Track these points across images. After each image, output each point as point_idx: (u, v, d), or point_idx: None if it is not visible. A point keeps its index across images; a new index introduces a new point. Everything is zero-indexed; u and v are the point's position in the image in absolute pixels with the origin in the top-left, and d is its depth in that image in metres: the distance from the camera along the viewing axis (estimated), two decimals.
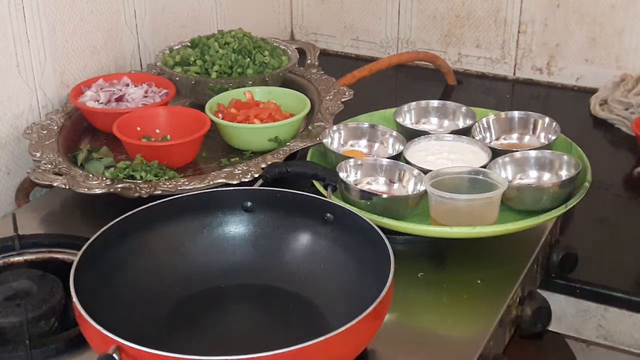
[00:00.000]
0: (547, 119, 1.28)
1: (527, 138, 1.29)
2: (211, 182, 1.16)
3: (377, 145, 1.28)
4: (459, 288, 1.05)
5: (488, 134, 1.29)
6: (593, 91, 1.73)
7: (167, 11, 1.64)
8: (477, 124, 1.29)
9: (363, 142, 1.28)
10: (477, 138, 1.27)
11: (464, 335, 0.98)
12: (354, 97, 1.43)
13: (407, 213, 1.12)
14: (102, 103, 1.39)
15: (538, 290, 1.15)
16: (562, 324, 1.22)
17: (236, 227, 1.04)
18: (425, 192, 1.12)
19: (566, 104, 1.73)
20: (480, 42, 1.86)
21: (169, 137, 1.32)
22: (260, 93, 1.41)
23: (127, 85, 1.45)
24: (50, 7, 1.36)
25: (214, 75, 1.45)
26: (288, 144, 1.27)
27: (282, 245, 1.02)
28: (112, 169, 1.22)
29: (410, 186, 1.15)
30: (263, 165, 1.19)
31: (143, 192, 1.14)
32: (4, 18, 1.28)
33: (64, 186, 1.16)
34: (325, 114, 1.35)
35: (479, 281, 1.06)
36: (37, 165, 1.22)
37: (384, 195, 1.12)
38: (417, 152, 1.22)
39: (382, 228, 0.94)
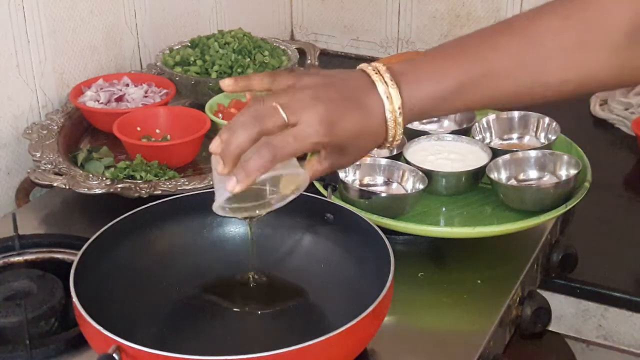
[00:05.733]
0: (547, 119, 1.28)
1: (527, 138, 1.29)
2: (211, 182, 1.16)
3: None
4: (459, 288, 1.05)
5: (488, 134, 1.29)
6: None
7: (167, 11, 1.64)
8: (477, 124, 1.29)
9: None
10: (477, 138, 1.27)
11: (464, 335, 0.98)
12: None
13: (406, 212, 1.12)
14: (102, 103, 1.39)
15: (538, 290, 1.15)
16: (562, 324, 1.22)
17: (236, 227, 1.03)
18: (424, 191, 1.13)
19: (566, 104, 1.72)
20: None
21: (169, 137, 1.32)
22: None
23: (127, 85, 1.45)
24: (50, 7, 1.36)
25: (214, 75, 1.45)
26: None
27: (282, 246, 1.02)
28: (112, 169, 1.22)
29: (409, 185, 1.15)
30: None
31: (143, 192, 1.14)
32: (4, 18, 1.28)
33: (64, 186, 1.16)
34: None
35: (479, 281, 1.06)
36: (37, 165, 1.22)
37: (383, 194, 1.12)
38: (417, 152, 1.22)
39: (382, 228, 0.94)
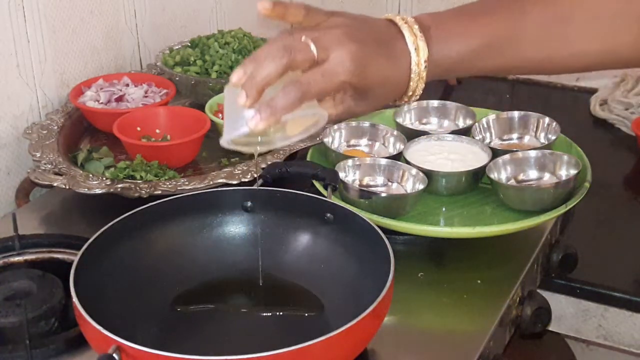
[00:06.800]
0: (547, 119, 1.28)
1: (527, 138, 1.29)
2: (211, 182, 1.16)
3: (377, 144, 1.28)
4: (459, 288, 1.05)
5: (488, 134, 1.29)
6: (593, 91, 1.73)
7: (167, 11, 1.64)
8: (477, 124, 1.29)
9: (364, 141, 1.28)
10: (477, 138, 1.27)
11: (464, 335, 0.98)
12: None
13: (406, 212, 1.12)
14: (102, 103, 1.39)
15: (538, 290, 1.15)
16: (562, 324, 1.22)
17: (236, 227, 1.03)
18: (424, 191, 1.13)
19: (566, 104, 1.73)
20: None
21: (169, 137, 1.32)
22: None
23: (127, 85, 1.45)
24: (50, 7, 1.36)
25: (214, 75, 1.45)
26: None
27: (282, 245, 1.02)
28: (112, 169, 1.22)
29: (409, 185, 1.15)
30: (263, 165, 1.19)
31: (143, 192, 1.14)
32: (4, 18, 1.28)
33: (64, 186, 1.16)
34: None
35: (479, 281, 1.06)
36: (37, 165, 1.22)
37: (383, 194, 1.12)
38: (417, 152, 1.22)
39: (382, 228, 0.94)
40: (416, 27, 0.78)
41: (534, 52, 0.81)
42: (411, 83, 0.79)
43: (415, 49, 0.78)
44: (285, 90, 0.73)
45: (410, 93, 0.80)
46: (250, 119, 0.73)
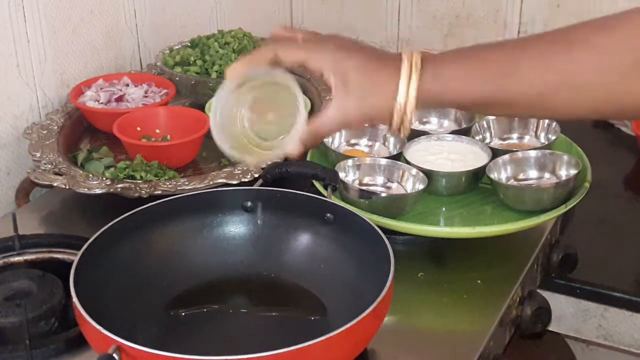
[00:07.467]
0: (547, 119, 1.28)
1: (527, 138, 1.29)
2: (211, 182, 1.17)
3: (377, 144, 1.28)
4: (459, 288, 1.05)
5: (488, 134, 1.29)
6: None
7: (167, 11, 1.64)
8: (477, 124, 1.29)
9: (364, 141, 1.28)
10: (477, 138, 1.27)
11: (464, 335, 0.98)
12: None
13: (406, 212, 1.12)
14: (102, 103, 1.39)
15: (538, 290, 1.15)
16: (562, 324, 1.22)
17: (236, 227, 1.03)
18: (424, 191, 1.13)
19: None
20: (480, 42, 1.86)
21: (169, 137, 1.32)
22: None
23: (127, 85, 1.45)
24: (50, 7, 1.36)
25: (214, 75, 1.45)
26: None
27: (282, 245, 1.02)
28: (112, 169, 1.22)
29: (409, 185, 1.15)
30: (263, 165, 1.19)
31: (143, 192, 1.14)
32: (4, 18, 1.28)
33: (64, 186, 1.16)
34: None
35: (479, 281, 1.06)
36: (37, 165, 1.22)
37: (383, 194, 1.12)
38: (417, 152, 1.22)
39: (382, 228, 0.94)
40: (417, 57, 0.80)
41: (528, 86, 0.78)
42: (395, 116, 0.79)
43: (407, 77, 0.79)
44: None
45: (395, 126, 0.80)
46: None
